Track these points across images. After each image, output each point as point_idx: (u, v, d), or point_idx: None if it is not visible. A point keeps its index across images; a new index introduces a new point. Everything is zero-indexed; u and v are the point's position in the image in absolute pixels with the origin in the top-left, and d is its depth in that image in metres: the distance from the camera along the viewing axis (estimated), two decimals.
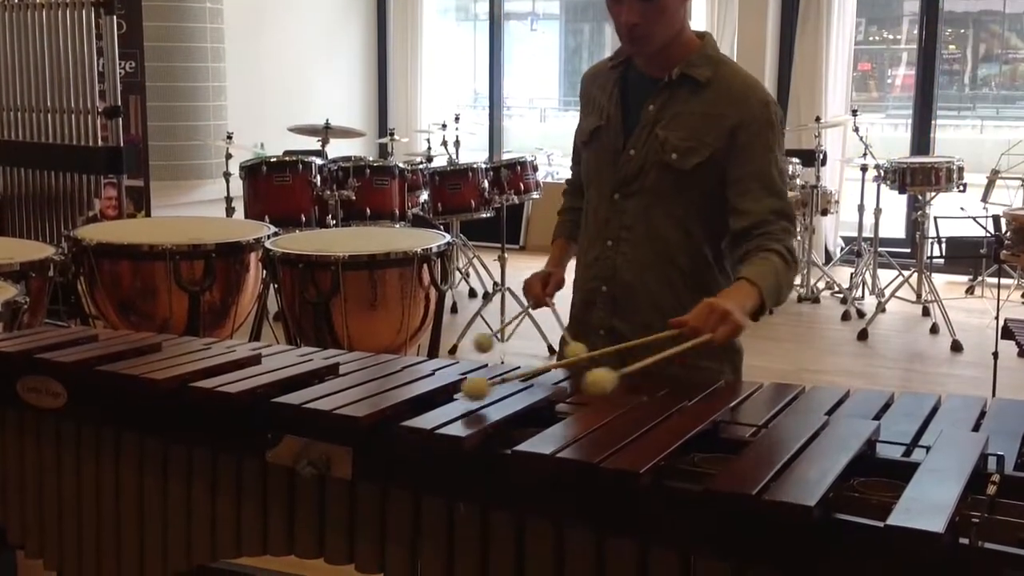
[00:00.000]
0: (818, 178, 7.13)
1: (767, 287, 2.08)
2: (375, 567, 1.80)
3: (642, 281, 2.29)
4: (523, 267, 2.62)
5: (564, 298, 2.43)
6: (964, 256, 7.08)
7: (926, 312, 6.81)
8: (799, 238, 7.36)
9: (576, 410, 1.83)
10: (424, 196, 6.80)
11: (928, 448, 1.58)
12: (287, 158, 6.25)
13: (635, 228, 2.29)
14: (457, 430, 1.67)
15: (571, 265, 2.51)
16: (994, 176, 6.76)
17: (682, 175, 2.23)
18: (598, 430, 1.67)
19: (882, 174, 6.81)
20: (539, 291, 2.41)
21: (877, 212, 7.11)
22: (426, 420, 1.72)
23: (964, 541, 1.31)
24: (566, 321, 2.44)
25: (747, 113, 2.20)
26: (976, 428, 1.75)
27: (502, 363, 2.19)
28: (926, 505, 1.34)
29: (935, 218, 6.63)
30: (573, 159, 2.55)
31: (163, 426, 1.98)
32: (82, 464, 2.09)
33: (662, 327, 2.09)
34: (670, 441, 1.60)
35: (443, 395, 1.89)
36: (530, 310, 2.49)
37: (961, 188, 6.61)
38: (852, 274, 7.35)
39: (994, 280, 6.97)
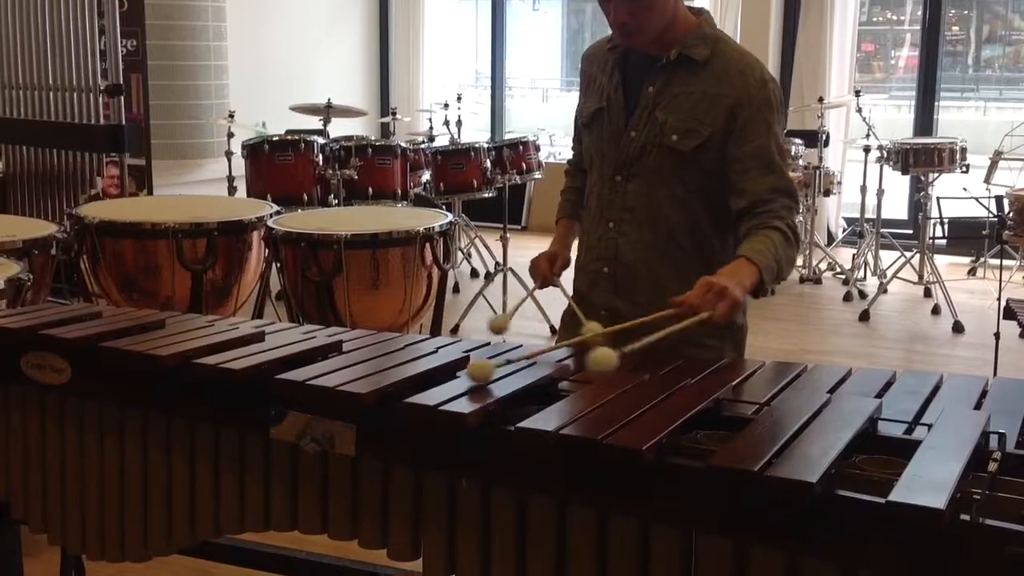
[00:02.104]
0: (821, 159, 7.12)
1: (765, 264, 2.10)
2: (378, 543, 1.81)
3: (644, 261, 2.30)
4: (525, 247, 2.63)
5: (567, 279, 2.44)
6: (966, 237, 7.08)
7: (928, 293, 6.81)
8: (801, 218, 7.36)
9: (579, 388, 1.83)
10: (426, 175, 6.79)
11: (930, 426, 1.59)
12: (289, 137, 6.25)
13: (636, 209, 2.30)
14: (460, 407, 1.67)
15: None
16: (997, 157, 6.75)
17: (683, 156, 2.24)
18: (601, 407, 1.67)
19: (885, 155, 6.80)
20: (546, 270, 2.43)
21: (879, 193, 7.11)
22: (429, 397, 1.72)
23: (965, 518, 1.32)
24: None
25: (745, 92, 2.21)
26: (978, 407, 1.76)
27: (503, 342, 2.19)
28: (928, 482, 1.35)
29: (938, 199, 6.62)
30: (574, 138, 2.55)
31: (167, 402, 1.99)
32: (86, 440, 2.09)
33: (665, 307, 2.10)
34: (673, 418, 1.60)
35: (446, 373, 1.89)
36: (537, 291, 2.51)
37: (964, 169, 6.61)
38: (854, 255, 7.35)
39: (996, 261, 6.98)
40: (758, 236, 2.16)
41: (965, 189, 6.22)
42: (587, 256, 2.40)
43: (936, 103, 8.34)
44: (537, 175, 6.82)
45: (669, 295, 2.16)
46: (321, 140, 6.25)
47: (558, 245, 2.49)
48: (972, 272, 7.44)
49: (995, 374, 4.54)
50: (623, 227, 2.31)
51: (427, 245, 4.06)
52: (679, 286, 2.23)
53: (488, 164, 6.48)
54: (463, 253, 7.46)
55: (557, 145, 9.13)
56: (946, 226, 6.65)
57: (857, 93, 7.14)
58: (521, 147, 6.69)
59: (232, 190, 6.73)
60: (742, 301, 2.04)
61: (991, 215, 5.62)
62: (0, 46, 5.54)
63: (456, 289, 6.91)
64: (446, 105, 7.70)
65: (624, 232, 2.31)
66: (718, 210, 2.29)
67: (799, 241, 2.24)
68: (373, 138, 6.82)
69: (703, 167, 2.24)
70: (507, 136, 8.18)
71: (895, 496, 1.31)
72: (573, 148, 2.58)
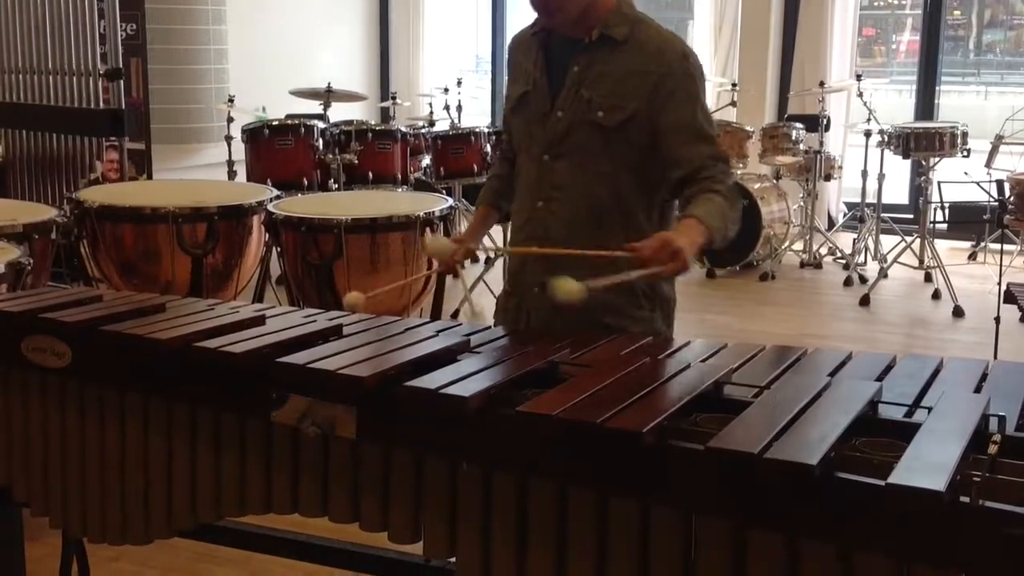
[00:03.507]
0: (821, 143, 7.10)
1: (715, 225, 2.17)
2: (379, 526, 1.81)
3: (574, 238, 2.33)
4: None
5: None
6: (967, 221, 7.07)
7: (928, 278, 6.81)
8: (801, 203, 7.36)
9: (579, 371, 1.83)
10: (426, 160, 6.78)
11: (930, 409, 1.59)
12: (289, 121, 6.24)
13: (565, 187, 2.34)
14: (461, 390, 1.67)
15: (496, 230, 2.56)
16: (998, 141, 6.74)
17: (609, 132, 2.28)
18: (601, 390, 1.67)
19: (886, 139, 6.79)
20: (448, 258, 2.47)
21: (880, 177, 7.09)
22: (430, 380, 1.72)
23: (965, 500, 1.32)
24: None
25: (666, 67, 2.27)
26: (978, 390, 1.76)
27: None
28: (927, 464, 1.35)
29: (939, 183, 6.61)
30: (504, 126, 2.58)
31: (168, 386, 1.99)
32: (87, 423, 2.10)
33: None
34: (673, 401, 1.61)
35: (447, 356, 1.89)
36: (441, 275, 2.61)
37: (965, 153, 6.59)
38: (855, 239, 7.34)
39: (997, 246, 6.97)
40: (703, 199, 2.22)
41: (966, 173, 6.22)
42: (517, 236, 2.44)
43: (937, 87, 8.31)
44: None
45: (598, 270, 2.17)
46: (321, 124, 6.24)
47: (468, 234, 2.57)
48: (973, 256, 7.44)
49: (995, 358, 4.54)
50: (552, 205, 2.35)
51: (427, 230, 4.07)
52: (609, 262, 2.25)
53: (488, 149, 6.47)
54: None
55: None
56: (947, 210, 6.64)
57: (858, 77, 7.12)
58: None
59: (232, 174, 6.73)
60: (690, 265, 2.08)
61: (992, 199, 5.61)
62: None
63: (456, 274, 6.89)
64: (446, 90, 7.69)
65: (553, 211, 2.35)
66: (645, 185, 2.33)
67: (739, 201, 2.31)
68: (373, 123, 6.81)
69: (630, 142, 2.29)
70: None
71: (895, 478, 1.31)
72: (503, 138, 2.61)
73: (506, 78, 2.60)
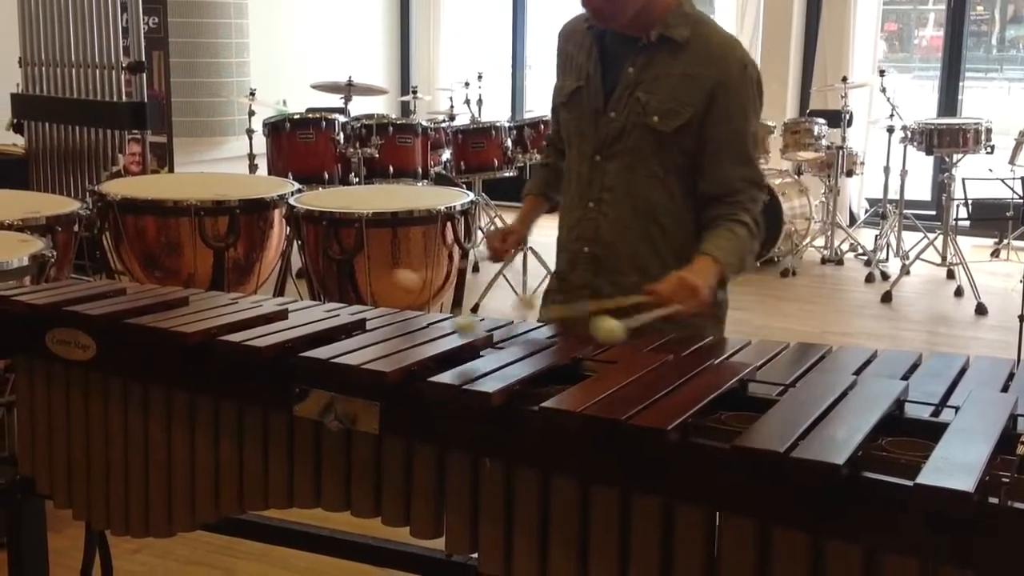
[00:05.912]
0: (844, 139, 7.07)
1: (729, 263, 2.19)
2: (401, 521, 1.81)
3: (624, 241, 2.31)
4: (545, 226, 2.63)
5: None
6: (990, 218, 7.01)
7: (951, 275, 6.77)
8: (823, 199, 7.33)
9: (603, 368, 1.83)
10: (446, 154, 6.78)
11: (957, 408, 1.57)
12: (310, 115, 6.26)
13: (616, 189, 2.30)
14: (485, 386, 1.67)
15: (543, 222, 2.57)
16: (1022, 138, 6.68)
17: (664, 137, 2.24)
18: (625, 387, 1.67)
19: (909, 135, 6.74)
20: (498, 245, 2.46)
21: (903, 174, 7.05)
22: (453, 376, 1.72)
23: (994, 501, 1.31)
24: (528, 274, 2.53)
25: (725, 74, 2.22)
26: (1005, 389, 1.74)
27: (524, 320, 2.19)
28: (956, 465, 1.34)
29: (962, 180, 6.56)
30: (552, 116, 2.54)
31: (191, 379, 1.99)
32: (110, 416, 2.10)
33: (644, 285, 2.14)
34: (697, 399, 1.60)
35: (470, 352, 1.89)
36: (490, 262, 2.61)
37: (989, 150, 6.55)
38: (876, 236, 7.31)
39: (1021, 243, 6.92)
40: (724, 231, 2.22)
41: (990, 170, 6.17)
42: (567, 236, 2.41)
43: (960, 83, 8.26)
44: None
45: (649, 273, 2.19)
46: (342, 118, 6.25)
47: (518, 223, 2.53)
48: (996, 254, 7.39)
49: (1019, 356, 4.51)
50: (603, 207, 2.32)
51: (448, 224, 4.06)
52: (659, 265, 2.25)
53: (509, 143, 6.47)
54: (483, 232, 7.44)
55: None
56: (970, 207, 6.60)
57: (881, 73, 7.08)
58: (542, 126, 6.66)
59: (253, 168, 6.74)
60: (708, 302, 2.11)
61: (1016, 196, 5.57)
62: (24, 23, 5.55)
63: (475, 268, 6.89)
64: (467, 84, 7.68)
65: (604, 212, 2.32)
66: (695, 189, 2.29)
67: (761, 231, 2.30)
68: (394, 116, 6.81)
69: (684, 147, 2.25)
70: (528, 115, 8.15)
71: (923, 479, 1.30)
72: (552, 126, 2.56)
73: (527, 68, 2.57)
